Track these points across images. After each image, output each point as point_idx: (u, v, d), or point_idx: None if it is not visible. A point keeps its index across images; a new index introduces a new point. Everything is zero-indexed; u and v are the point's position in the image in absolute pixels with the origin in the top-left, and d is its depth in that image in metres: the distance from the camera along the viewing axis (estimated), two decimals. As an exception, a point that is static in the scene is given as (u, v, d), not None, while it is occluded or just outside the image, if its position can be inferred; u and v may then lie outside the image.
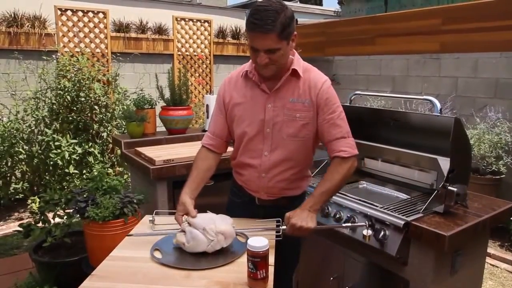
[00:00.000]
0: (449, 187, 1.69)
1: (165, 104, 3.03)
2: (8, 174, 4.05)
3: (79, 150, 3.91)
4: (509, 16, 1.88)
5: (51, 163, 3.92)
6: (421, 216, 1.69)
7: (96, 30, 4.52)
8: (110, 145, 4.32)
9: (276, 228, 1.43)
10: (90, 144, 4.07)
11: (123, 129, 4.28)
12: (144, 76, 5.51)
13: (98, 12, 4.50)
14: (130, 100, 4.23)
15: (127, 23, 5.30)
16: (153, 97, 3.10)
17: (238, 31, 6.36)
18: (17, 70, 4.39)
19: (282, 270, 1.50)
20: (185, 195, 1.51)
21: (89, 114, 4.17)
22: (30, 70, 4.27)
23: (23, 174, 4.10)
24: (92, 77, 4.07)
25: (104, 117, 4.25)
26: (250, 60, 1.55)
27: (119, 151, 4.11)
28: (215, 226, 1.36)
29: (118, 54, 4.73)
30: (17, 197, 4.09)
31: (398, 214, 1.71)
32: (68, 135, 3.94)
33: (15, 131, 3.90)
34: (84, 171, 3.98)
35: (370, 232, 1.39)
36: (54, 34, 4.51)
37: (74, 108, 4.07)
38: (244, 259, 1.25)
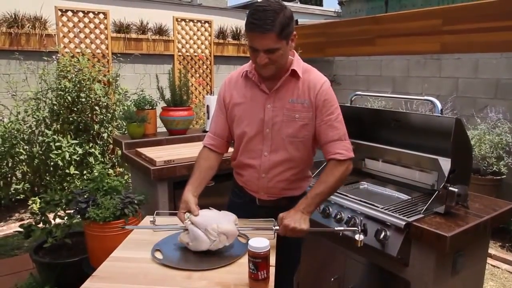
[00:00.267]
0: (450, 188, 1.69)
1: (166, 105, 3.03)
2: (9, 175, 4.05)
3: (80, 151, 3.91)
4: (509, 16, 1.88)
5: (52, 163, 3.93)
6: (422, 216, 1.69)
7: (97, 31, 4.53)
8: (111, 146, 4.32)
9: (268, 228, 1.43)
10: (90, 144, 4.08)
11: (123, 129, 4.28)
12: (144, 77, 5.52)
13: (99, 12, 4.51)
14: (131, 100, 4.22)
15: (128, 24, 5.31)
16: (153, 97, 3.10)
17: (238, 31, 6.36)
18: (17, 70, 4.40)
19: (283, 271, 1.50)
20: (188, 193, 1.51)
21: (89, 115, 4.17)
22: (31, 71, 4.27)
23: (23, 175, 4.10)
24: (93, 77, 4.07)
25: (104, 117, 4.25)
26: (250, 61, 1.55)
27: (119, 152, 4.11)
28: (217, 226, 1.35)
29: (119, 55, 4.74)
30: (18, 197, 4.09)
31: (399, 214, 1.71)
32: (68, 136, 3.94)
33: (15, 132, 3.91)
34: (85, 172, 3.98)
35: (362, 236, 1.39)
36: (54, 34, 4.52)
37: (75, 109, 4.07)
38: (245, 259, 1.25)
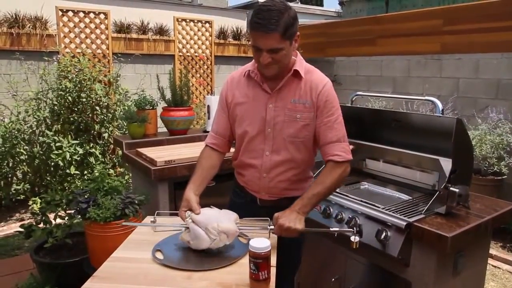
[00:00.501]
0: (451, 188, 1.69)
1: (166, 105, 3.03)
2: (9, 175, 4.05)
3: (80, 151, 3.91)
4: (510, 17, 1.88)
5: (52, 163, 3.92)
6: (423, 217, 1.69)
7: (97, 31, 4.53)
8: (111, 146, 4.32)
9: (263, 228, 1.42)
10: (91, 145, 4.08)
11: (124, 129, 4.28)
12: (145, 77, 5.52)
13: (99, 13, 4.51)
14: (131, 100, 4.21)
15: (128, 24, 5.31)
16: (154, 97, 3.10)
17: (239, 32, 6.36)
18: (18, 71, 4.40)
19: (283, 271, 1.50)
20: (189, 191, 1.51)
21: (90, 115, 4.17)
22: (32, 71, 4.27)
23: (24, 175, 4.10)
24: (93, 78, 4.07)
25: (105, 117, 4.25)
26: (253, 60, 1.55)
27: (120, 152, 4.11)
28: (217, 225, 1.35)
29: (119, 55, 4.74)
30: (18, 197, 4.09)
31: (400, 215, 1.71)
32: (69, 136, 3.94)
33: (16, 132, 3.91)
34: (85, 172, 3.98)
35: (357, 238, 1.39)
36: (55, 35, 4.52)
37: (75, 109, 4.07)
38: (245, 260, 1.25)
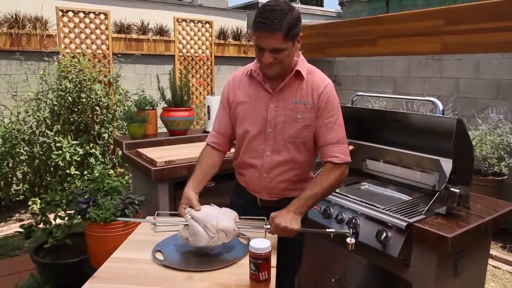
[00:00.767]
0: (452, 189, 1.69)
1: (166, 105, 3.03)
2: (9, 175, 4.05)
3: (80, 151, 3.91)
4: (510, 17, 1.87)
5: (52, 164, 3.92)
6: (423, 217, 1.69)
7: (98, 31, 4.52)
8: (111, 146, 4.32)
9: (259, 227, 1.42)
10: (91, 145, 4.07)
11: (124, 130, 4.28)
12: (145, 77, 5.52)
13: (100, 13, 4.51)
14: (131, 101, 4.23)
15: (128, 24, 5.31)
16: (154, 98, 3.10)
17: (239, 32, 6.36)
18: (18, 71, 4.40)
19: (284, 272, 1.50)
20: (189, 189, 1.51)
21: (90, 115, 4.17)
22: (32, 71, 4.27)
23: (24, 175, 4.10)
24: (93, 78, 4.07)
25: (105, 118, 4.25)
26: (255, 60, 1.55)
27: (120, 152, 4.11)
28: (216, 223, 1.35)
29: (119, 55, 4.74)
30: (18, 198, 4.08)
31: (400, 215, 1.70)
32: (69, 136, 3.94)
33: (16, 132, 3.91)
34: (85, 172, 3.98)
35: (353, 240, 1.39)
36: (55, 35, 4.52)
37: (75, 109, 4.07)
38: (246, 260, 1.24)
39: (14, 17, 4.43)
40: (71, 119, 4.04)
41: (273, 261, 1.26)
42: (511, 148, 3.77)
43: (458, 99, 4.42)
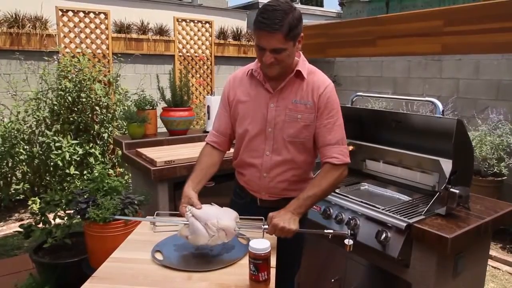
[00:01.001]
0: (451, 189, 1.69)
1: (166, 105, 3.03)
2: (9, 175, 4.05)
3: (80, 151, 3.91)
4: (511, 18, 1.87)
5: (52, 163, 3.92)
6: (423, 218, 1.69)
7: (97, 31, 4.52)
8: (111, 146, 4.32)
9: (257, 227, 1.42)
10: (91, 145, 4.07)
11: (124, 130, 4.28)
12: (145, 77, 5.52)
13: (99, 13, 4.50)
14: (131, 101, 4.23)
15: (128, 24, 5.31)
16: (154, 98, 3.10)
17: (239, 32, 6.36)
18: (18, 70, 4.40)
19: (283, 272, 1.49)
20: (188, 188, 1.51)
21: (90, 115, 4.17)
22: (31, 71, 4.27)
23: (23, 175, 4.10)
24: (93, 78, 4.07)
25: (105, 118, 4.24)
26: (256, 59, 1.55)
27: (120, 152, 4.11)
28: (217, 222, 1.35)
29: (119, 55, 4.73)
30: (18, 197, 4.08)
31: (400, 216, 1.70)
32: (69, 136, 3.93)
33: (16, 132, 3.90)
34: (85, 172, 3.97)
35: (351, 241, 1.38)
36: (55, 35, 4.52)
37: (75, 109, 4.07)
38: (245, 261, 1.24)
39: (13, 16, 4.43)
40: (71, 119, 4.04)
41: (273, 261, 1.26)
42: (511, 149, 3.77)
43: (458, 99, 4.43)
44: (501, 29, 1.92)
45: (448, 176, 1.72)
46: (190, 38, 5.45)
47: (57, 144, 3.83)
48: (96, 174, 2.23)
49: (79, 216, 2.05)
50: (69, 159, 3.82)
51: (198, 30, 5.51)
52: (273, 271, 1.23)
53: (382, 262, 1.77)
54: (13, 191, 4.04)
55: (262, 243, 1.18)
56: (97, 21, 4.50)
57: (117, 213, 1.95)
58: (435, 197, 1.75)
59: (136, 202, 2.04)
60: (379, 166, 2.29)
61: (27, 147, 3.97)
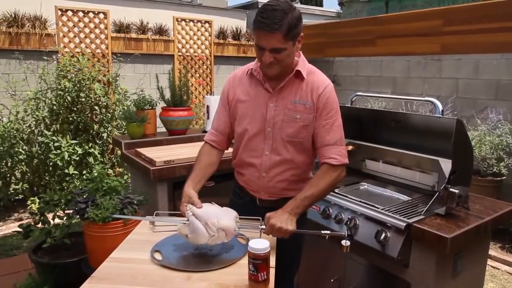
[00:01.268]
0: (451, 189, 1.68)
1: (166, 105, 3.03)
2: (8, 175, 4.04)
3: (79, 151, 3.90)
4: (510, 17, 1.87)
5: (51, 163, 3.91)
6: (422, 218, 1.69)
7: (97, 31, 4.52)
8: (110, 146, 4.31)
9: (254, 227, 1.42)
10: (90, 144, 4.07)
11: (123, 129, 4.27)
12: (144, 77, 5.51)
13: (99, 12, 4.50)
14: (131, 100, 4.22)
15: (128, 24, 5.30)
16: (153, 97, 3.09)
17: (238, 32, 6.35)
18: (17, 70, 4.39)
19: (283, 272, 1.49)
20: (188, 187, 1.51)
21: (89, 115, 4.16)
22: (31, 71, 4.27)
23: (23, 175, 4.09)
24: (93, 77, 4.07)
25: (104, 117, 4.24)
26: (256, 59, 1.55)
27: (119, 152, 4.11)
28: (217, 222, 1.35)
29: (119, 55, 4.73)
30: (17, 197, 4.08)
31: (400, 216, 1.71)
32: (68, 136, 3.93)
33: (15, 132, 3.90)
34: (84, 172, 3.97)
35: (348, 242, 1.38)
36: (54, 34, 4.51)
37: (74, 109, 4.06)
38: (245, 261, 1.24)
39: (13, 16, 4.42)
40: (70, 119, 4.03)
41: (272, 261, 1.26)
42: (510, 149, 3.77)
43: (457, 99, 4.43)
44: (500, 28, 1.92)
45: (448, 176, 1.72)
46: (190, 38, 5.44)
47: (56, 144, 3.82)
48: (95, 174, 2.23)
49: (78, 216, 2.05)
50: (68, 159, 3.81)
51: (198, 30, 5.50)
52: (272, 271, 1.23)
53: (381, 262, 1.77)
54: (12, 191, 4.04)
55: (261, 243, 1.18)
56: (97, 20, 4.49)
57: (116, 212, 1.95)
58: (434, 197, 1.75)
59: (135, 202, 2.04)
60: (378, 166, 2.29)
61: (26, 147, 3.97)
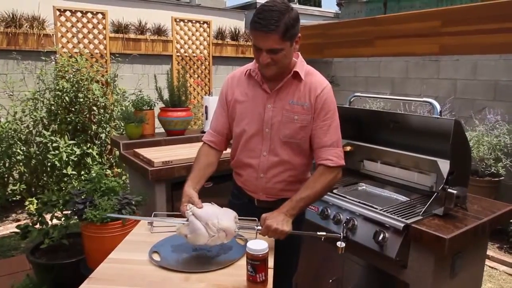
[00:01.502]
0: (449, 190, 1.69)
1: (164, 105, 3.02)
2: (6, 175, 4.03)
3: (77, 151, 3.90)
4: (508, 18, 1.88)
5: (49, 164, 3.91)
6: (420, 218, 1.69)
7: (95, 31, 4.51)
8: (109, 146, 4.31)
9: (250, 228, 1.42)
10: (88, 145, 4.06)
11: (121, 130, 4.27)
12: (143, 77, 5.50)
13: (97, 12, 4.49)
14: (129, 101, 4.22)
15: (126, 24, 5.29)
16: (152, 98, 3.09)
17: (237, 32, 6.35)
18: (15, 70, 4.38)
19: (281, 273, 1.49)
20: (188, 187, 1.51)
21: (87, 115, 4.16)
22: (29, 71, 4.26)
23: (20, 175, 4.09)
24: (91, 78, 4.06)
25: (102, 118, 4.23)
26: (254, 60, 1.55)
27: (117, 152, 4.10)
28: (217, 222, 1.35)
29: (117, 55, 4.72)
30: (15, 198, 4.07)
31: (398, 216, 1.71)
32: (66, 136, 3.92)
33: (13, 132, 3.89)
34: (82, 172, 3.96)
35: (343, 244, 1.39)
36: (52, 34, 4.50)
37: (73, 109, 4.06)
38: (243, 262, 1.24)
39: (11, 16, 4.41)
40: (68, 119, 4.03)
41: (270, 262, 1.26)
42: (508, 149, 3.78)
43: (455, 100, 4.44)
44: (499, 29, 1.92)
45: (446, 176, 1.72)
46: (188, 38, 5.44)
47: (54, 145, 3.82)
48: (94, 174, 2.23)
49: (76, 217, 2.04)
50: (67, 159, 3.81)
51: (196, 30, 5.50)
52: (270, 272, 1.23)
53: (379, 262, 1.77)
54: (10, 192, 4.03)
55: (260, 244, 1.18)
56: (95, 21, 4.48)
57: (114, 213, 1.95)
58: (432, 197, 1.75)
59: (133, 202, 2.03)
60: (376, 167, 2.29)
61: (24, 147, 3.96)
